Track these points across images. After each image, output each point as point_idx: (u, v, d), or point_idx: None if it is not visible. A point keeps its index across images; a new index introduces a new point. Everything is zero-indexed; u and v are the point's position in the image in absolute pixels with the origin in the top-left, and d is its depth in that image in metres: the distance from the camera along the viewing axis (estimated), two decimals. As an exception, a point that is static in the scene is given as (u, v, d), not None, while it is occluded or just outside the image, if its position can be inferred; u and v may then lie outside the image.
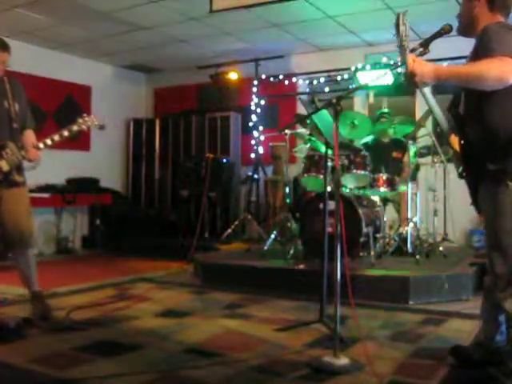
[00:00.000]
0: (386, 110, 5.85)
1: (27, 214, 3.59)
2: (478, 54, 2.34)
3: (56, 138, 3.52)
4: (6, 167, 3.41)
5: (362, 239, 4.77)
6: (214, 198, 7.57)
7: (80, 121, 3.62)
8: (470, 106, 2.48)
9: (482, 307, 2.62)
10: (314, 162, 5.03)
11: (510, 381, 2.41)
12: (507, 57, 2.19)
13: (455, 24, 2.52)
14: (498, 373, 2.47)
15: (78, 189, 7.48)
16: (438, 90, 3.33)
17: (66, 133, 3.55)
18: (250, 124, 7.71)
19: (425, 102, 2.53)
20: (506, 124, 2.34)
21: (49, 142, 3.51)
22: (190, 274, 5.60)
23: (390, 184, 5.15)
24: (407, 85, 2.41)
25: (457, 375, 2.59)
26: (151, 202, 8.73)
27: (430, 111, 5.59)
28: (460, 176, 2.58)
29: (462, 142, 2.49)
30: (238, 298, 4.38)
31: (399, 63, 2.52)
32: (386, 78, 6.53)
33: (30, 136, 3.65)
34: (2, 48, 3.47)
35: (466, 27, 2.50)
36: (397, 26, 2.42)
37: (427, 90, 2.48)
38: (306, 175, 5.11)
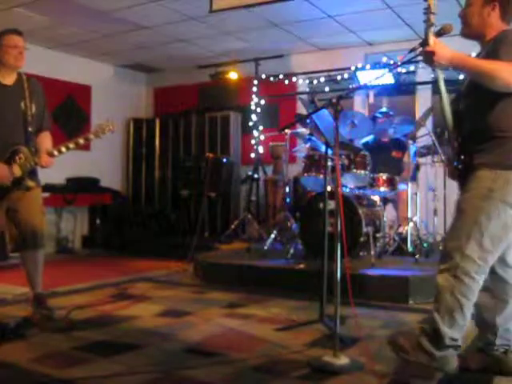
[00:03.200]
0: (385, 110, 5.86)
1: (41, 214, 3.58)
2: (492, 54, 2.35)
3: (71, 145, 3.46)
4: (18, 172, 3.36)
5: (361, 239, 4.77)
6: (214, 197, 7.57)
7: (97, 129, 3.56)
8: (469, 103, 2.50)
9: (475, 315, 2.60)
10: (314, 162, 5.03)
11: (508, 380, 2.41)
12: None
13: (456, 24, 2.51)
14: (494, 372, 2.48)
15: (78, 189, 7.49)
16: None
17: (81, 141, 3.49)
18: (250, 124, 7.71)
19: (437, 86, 2.56)
20: (493, 124, 2.37)
21: (63, 149, 3.44)
22: (190, 274, 5.60)
23: (390, 184, 5.16)
24: (425, 62, 2.45)
25: (456, 375, 2.59)
26: (151, 202, 8.73)
27: (430, 110, 5.63)
28: (456, 169, 2.61)
29: (459, 137, 2.52)
30: (238, 298, 4.38)
31: (399, 63, 2.53)
32: (385, 77, 6.54)
33: (45, 139, 3.58)
34: (18, 32, 3.42)
35: (474, 32, 2.50)
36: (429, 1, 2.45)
37: (441, 75, 2.51)
38: (306, 175, 5.11)
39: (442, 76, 2.52)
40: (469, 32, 2.52)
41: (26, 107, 3.45)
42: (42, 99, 3.61)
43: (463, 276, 2.34)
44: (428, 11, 2.46)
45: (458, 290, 2.35)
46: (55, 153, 3.44)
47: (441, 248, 2.53)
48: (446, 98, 2.54)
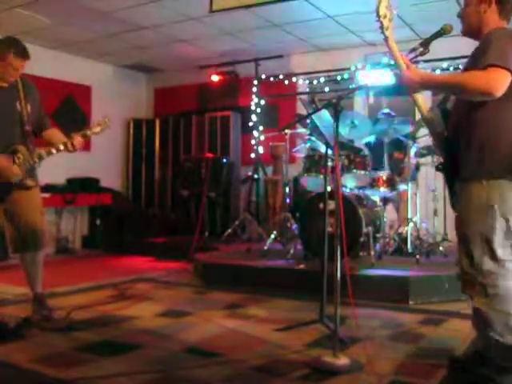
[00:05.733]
0: (387, 111, 5.86)
1: (41, 214, 3.57)
2: (476, 57, 2.35)
3: (80, 138, 3.48)
4: (18, 172, 3.37)
5: (361, 239, 4.77)
6: (214, 198, 7.57)
7: (95, 124, 3.56)
8: (458, 104, 2.50)
9: (472, 316, 2.60)
10: (314, 162, 5.03)
11: (504, 379, 2.40)
12: (500, 68, 2.19)
13: (455, 24, 2.51)
14: (491, 372, 2.47)
15: (78, 189, 7.49)
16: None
17: (89, 132, 3.51)
18: (250, 124, 7.70)
19: (416, 107, 2.56)
20: (488, 129, 2.36)
21: (61, 147, 3.45)
22: (190, 274, 5.60)
23: (390, 184, 5.16)
24: (399, 87, 2.46)
25: (456, 375, 2.59)
26: (151, 202, 8.73)
27: (430, 110, 5.62)
28: (437, 169, 2.61)
29: (445, 137, 2.51)
30: (238, 298, 4.38)
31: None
32: (385, 78, 6.54)
33: (56, 132, 3.61)
34: (25, 56, 3.41)
35: (472, 30, 2.48)
36: (383, 32, 2.43)
37: (419, 96, 2.50)
38: (306, 175, 5.11)
39: (420, 98, 2.50)
40: (468, 30, 2.51)
41: (22, 107, 3.45)
42: (37, 99, 3.62)
43: (493, 290, 2.34)
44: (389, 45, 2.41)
45: (498, 304, 2.34)
46: (53, 151, 3.42)
47: (459, 273, 2.49)
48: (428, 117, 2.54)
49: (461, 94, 2.35)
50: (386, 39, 2.41)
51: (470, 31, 2.51)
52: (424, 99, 2.52)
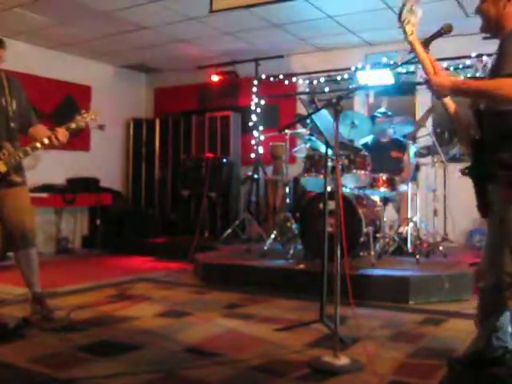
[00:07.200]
0: (384, 110, 5.86)
1: (29, 212, 3.56)
2: (499, 59, 2.31)
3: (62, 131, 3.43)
4: (3, 168, 3.36)
5: (361, 239, 4.77)
6: (214, 198, 7.57)
7: (78, 118, 3.50)
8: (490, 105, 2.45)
9: (478, 314, 2.59)
10: (314, 162, 5.03)
11: None
12: None
13: (455, 24, 2.49)
14: (501, 373, 2.46)
15: (78, 189, 7.48)
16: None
17: (73, 125, 3.46)
18: (250, 124, 7.70)
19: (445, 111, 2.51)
20: None
21: (46, 141, 3.41)
22: (190, 274, 5.60)
23: (390, 184, 5.16)
24: (432, 93, 2.41)
25: (457, 375, 2.59)
26: (151, 202, 8.73)
27: (430, 110, 5.61)
28: (462, 173, 2.56)
29: (478, 138, 2.45)
30: (238, 298, 4.38)
31: (399, 63, 2.49)
32: (386, 78, 6.54)
33: (41, 129, 3.57)
34: (2, 45, 3.39)
35: (491, 26, 2.42)
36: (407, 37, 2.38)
37: (448, 100, 2.46)
38: (306, 175, 5.11)
39: (449, 103, 2.47)
40: (486, 27, 2.44)
41: (7, 103, 3.44)
42: (23, 95, 3.60)
43: None
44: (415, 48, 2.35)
45: None
46: (38, 145, 3.38)
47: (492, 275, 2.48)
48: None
49: (493, 101, 2.30)
50: (410, 44, 2.36)
51: (488, 28, 2.44)
52: (452, 103, 2.48)
